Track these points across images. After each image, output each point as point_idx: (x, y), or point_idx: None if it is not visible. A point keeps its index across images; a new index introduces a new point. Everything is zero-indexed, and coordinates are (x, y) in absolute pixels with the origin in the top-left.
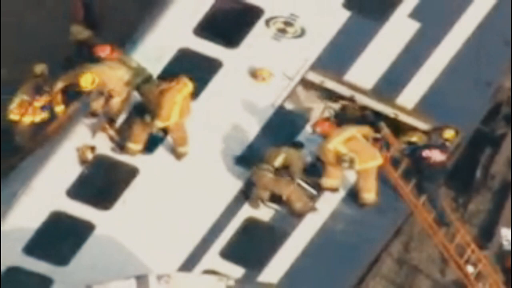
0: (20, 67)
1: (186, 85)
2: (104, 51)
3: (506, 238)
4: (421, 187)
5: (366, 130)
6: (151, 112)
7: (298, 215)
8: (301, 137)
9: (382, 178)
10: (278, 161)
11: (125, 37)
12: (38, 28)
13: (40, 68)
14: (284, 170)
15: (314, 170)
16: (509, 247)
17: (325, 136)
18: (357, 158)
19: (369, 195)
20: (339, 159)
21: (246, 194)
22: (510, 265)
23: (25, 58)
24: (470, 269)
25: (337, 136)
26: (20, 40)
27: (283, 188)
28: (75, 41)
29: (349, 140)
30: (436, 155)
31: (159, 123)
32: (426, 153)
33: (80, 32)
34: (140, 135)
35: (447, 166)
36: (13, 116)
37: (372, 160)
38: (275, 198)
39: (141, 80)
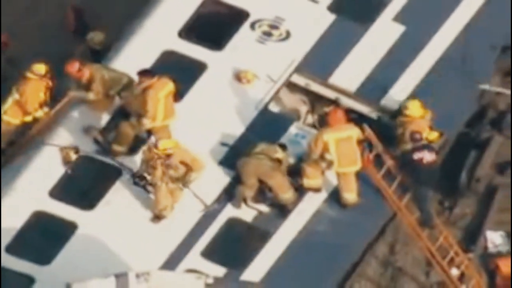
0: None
1: (167, 83)
2: (73, 67)
3: (491, 241)
4: (416, 190)
5: (360, 133)
6: (136, 113)
7: (287, 207)
8: (284, 140)
9: (366, 179)
10: (279, 154)
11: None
12: (31, 36)
13: (45, 67)
14: None
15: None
16: (494, 250)
17: (329, 125)
18: (337, 162)
19: (350, 195)
20: (322, 154)
21: (231, 194)
22: (495, 268)
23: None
24: (454, 271)
25: (337, 132)
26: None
27: (277, 178)
28: (90, 47)
29: (343, 140)
30: (426, 156)
31: (145, 121)
32: (417, 155)
33: (95, 38)
34: (126, 137)
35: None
36: (7, 117)
37: (351, 165)
38: (261, 192)
39: (121, 87)
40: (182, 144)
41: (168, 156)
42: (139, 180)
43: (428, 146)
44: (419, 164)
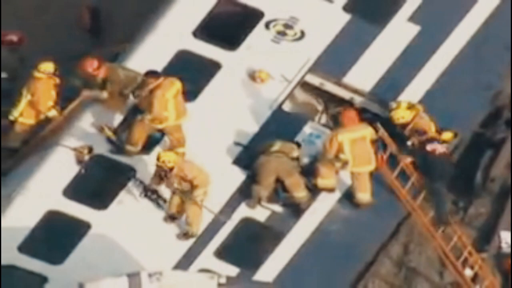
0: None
1: (174, 83)
2: (92, 65)
3: (505, 241)
4: (430, 183)
5: (374, 133)
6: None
7: (301, 206)
8: (298, 138)
9: (379, 179)
10: (295, 153)
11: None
12: (42, 34)
13: (53, 65)
14: None
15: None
16: (508, 250)
17: (343, 125)
18: (352, 162)
19: (364, 195)
20: (336, 154)
21: (245, 193)
22: (510, 268)
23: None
24: (468, 271)
25: (352, 132)
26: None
27: (295, 177)
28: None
29: (357, 140)
30: (438, 147)
31: (152, 120)
32: (429, 146)
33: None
34: (138, 136)
35: (453, 158)
36: (22, 119)
37: (365, 165)
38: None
39: (136, 86)
40: (186, 157)
41: (171, 169)
42: (151, 194)
43: (436, 139)
44: (433, 155)
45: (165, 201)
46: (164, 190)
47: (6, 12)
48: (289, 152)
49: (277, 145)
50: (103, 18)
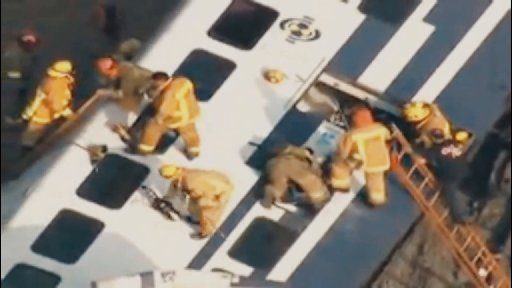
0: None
1: (184, 83)
2: (105, 64)
3: None
4: (446, 184)
5: (388, 133)
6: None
7: (316, 206)
8: (312, 140)
9: (394, 179)
10: (306, 155)
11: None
12: (59, 33)
13: (69, 64)
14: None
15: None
16: None
17: (357, 126)
18: (366, 162)
19: (378, 195)
20: (350, 155)
21: (258, 193)
22: None
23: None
24: (482, 272)
25: (366, 132)
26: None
27: (308, 177)
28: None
29: (371, 140)
30: (454, 150)
31: (165, 120)
32: (445, 150)
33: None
34: (152, 136)
35: (467, 160)
36: (37, 118)
37: (379, 165)
38: (289, 191)
39: (150, 86)
40: (191, 167)
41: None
42: (165, 205)
43: (452, 141)
44: (448, 159)
45: (176, 212)
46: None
47: (20, 12)
48: (300, 154)
49: (288, 148)
50: (118, 16)
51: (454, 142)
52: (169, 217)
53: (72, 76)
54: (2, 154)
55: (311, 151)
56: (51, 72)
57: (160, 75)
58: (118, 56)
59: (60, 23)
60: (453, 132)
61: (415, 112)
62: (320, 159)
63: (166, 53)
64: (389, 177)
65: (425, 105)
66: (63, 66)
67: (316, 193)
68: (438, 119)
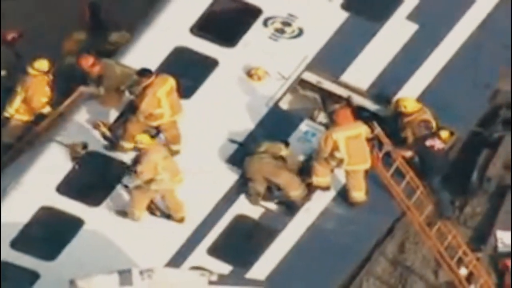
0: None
1: (166, 80)
2: (87, 62)
3: (501, 241)
4: (428, 179)
5: (368, 131)
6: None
7: (297, 204)
8: (294, 137)
9: (374, 177)
10: (283, 152)
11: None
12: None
13: (47, 63)
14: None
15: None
16: (504, 250)
17: (337, 124)
18: (347, 160)
19: (359, 193)
20: (332, 153)
21: (239, 191)
22: (504, 267)
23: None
24: (463, 271)
25: (347, 131)
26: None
27: (284, 176)
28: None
29: (352, 138)
30: (437, 143)
31: (147, 117)
32: (429, 142)
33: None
34: (133, 133)
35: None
36: (19, 116)
37: (360, 163)
38: (269, 189)
39: (132, 83)
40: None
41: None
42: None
43: (437, 134)
44: (431, 151)
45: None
46: None
47: (9, 9)
48: (275, 151)
49: (264, 146)
50: (103, 14)
51: (438, 135)
52: (152, 213)
53: (50, 74)
54: None
55: (287, 144)
56: (30, 70)
57: (143, 72)
58: (107, 46)
59: (48, 21)
60: (437, 129)
61: (405, 103)
62: (301, 157)
63: (148, 50)
64: (370, 175)
65: (417, 101)
66: (41, 65)
67: (294, 191)
68: (427, 115)
